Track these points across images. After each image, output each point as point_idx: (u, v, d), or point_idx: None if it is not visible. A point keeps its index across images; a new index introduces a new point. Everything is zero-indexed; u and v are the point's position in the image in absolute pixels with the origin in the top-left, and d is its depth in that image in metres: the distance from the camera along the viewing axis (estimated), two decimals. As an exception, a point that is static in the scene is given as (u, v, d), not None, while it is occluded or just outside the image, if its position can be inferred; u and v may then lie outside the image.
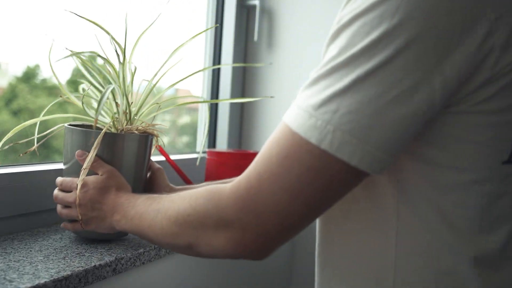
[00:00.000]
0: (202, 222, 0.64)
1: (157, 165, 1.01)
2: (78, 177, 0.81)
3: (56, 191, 0.87)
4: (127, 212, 0.79)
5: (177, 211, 0.68)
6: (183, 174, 1.24)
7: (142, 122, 0.92)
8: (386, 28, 0.53)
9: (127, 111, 0.88)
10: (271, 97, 1.56)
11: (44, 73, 1.13)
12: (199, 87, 1.65)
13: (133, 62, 0.91)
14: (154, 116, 0.96)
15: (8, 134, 0.84)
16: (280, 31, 1.64)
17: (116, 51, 0.87)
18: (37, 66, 1.13)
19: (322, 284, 0.72)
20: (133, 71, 0.90)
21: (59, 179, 0.88)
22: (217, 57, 1.64)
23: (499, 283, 0.62)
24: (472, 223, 0.60)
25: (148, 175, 0.99)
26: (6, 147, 0.85)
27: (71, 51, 0.82)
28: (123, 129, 0.89)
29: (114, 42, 0.86)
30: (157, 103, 0.94)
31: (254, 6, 1.64)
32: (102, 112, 0.92)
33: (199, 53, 1.62)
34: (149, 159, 0.94)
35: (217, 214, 0.61)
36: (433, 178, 0.60)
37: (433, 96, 0.54)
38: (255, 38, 1.64)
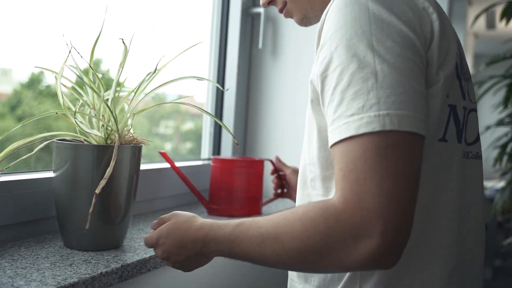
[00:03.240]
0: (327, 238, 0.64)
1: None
2: (70, 188, 0.83)
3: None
4: (219, 242, 0.76)
5: (291, 233, 0.67)
6: (188, 180, 1.24)
7: (128, 133, 0.94)
8: (369, 30, 0.66)
9: (118, 124, 0.90)
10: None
11: (49, 80, 1.14)
12: (203, 94, 1.65)
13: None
14: (132, 125, 0.96)
15: (10, 146, 0.85)
16: (285, 38, 1.64)
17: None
18: (41, 73, 1.13)
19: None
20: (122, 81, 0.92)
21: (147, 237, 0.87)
22: (222, 64, 1.65)
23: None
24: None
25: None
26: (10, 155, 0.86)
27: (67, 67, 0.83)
28: (121, 142, 0.91)
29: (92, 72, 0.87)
30: (134, 113, 0.94)
31: (258, 14, 1.65)
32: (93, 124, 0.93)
33: (204, 58, 1.63)
34: (139, 167, 0.96)
35: (342, 228, 0.63)
36: None
37: (423, 62, 0.70)
38: (260, 45, 1.64)
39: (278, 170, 1.32)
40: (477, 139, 0.84)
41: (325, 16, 0.72)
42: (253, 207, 1.30)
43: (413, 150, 0.64)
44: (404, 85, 0.65)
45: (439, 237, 0.75)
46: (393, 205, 0.61)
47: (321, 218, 0.64)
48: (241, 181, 1.28)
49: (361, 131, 0.63)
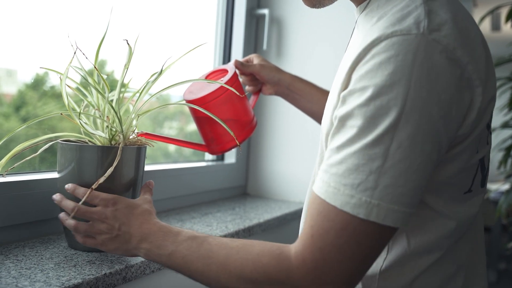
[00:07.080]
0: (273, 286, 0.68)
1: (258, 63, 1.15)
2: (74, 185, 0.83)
3: (71, 203, 0.83)
4: (162, 245, 0.76)
5: (240, 269, 0.69)
6: (180, 141, 1.10)
7: (132, 134, 0.94)
8: (400, 110, 0.61)
9: (122, 125, 0.90)
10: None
11: (53, 81, 1.14)
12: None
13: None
14: (136, 126, 0.95)
15: (16, 148, 0.85)
16: (289, 40, 1.64)
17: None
18: (46, 74, 1.14)
19: None
20: (126, 83, 0.92)
21: (78, 190, 0.84)
22: (226, 66, 1.65)
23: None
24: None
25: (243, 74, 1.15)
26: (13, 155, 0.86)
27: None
28: (125, 143, 0.91)
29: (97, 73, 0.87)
30: (138, 114, 0.94)
31: (263, 15, 1.65)
32: (97, 125, 0.93)
33: (208, 62, 1.63)
34: (143, 168, 0.96)
35: (291, 284, 0.66)
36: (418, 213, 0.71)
37: (441, 151, 0.66)
38: (264, 47, 1.64)
39: (244, 72, 1.17)
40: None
41: (364, 55, 0.64)
42: (246, 125, 1.12)
43: (385, 241, 0.65)
44: (407, 178, 0.62)
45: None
46: (346, 286, 0.65)
47: (273, 268, 0.67)
48: (221, 112, 1.06)
49: (345, 209, 0.62)
